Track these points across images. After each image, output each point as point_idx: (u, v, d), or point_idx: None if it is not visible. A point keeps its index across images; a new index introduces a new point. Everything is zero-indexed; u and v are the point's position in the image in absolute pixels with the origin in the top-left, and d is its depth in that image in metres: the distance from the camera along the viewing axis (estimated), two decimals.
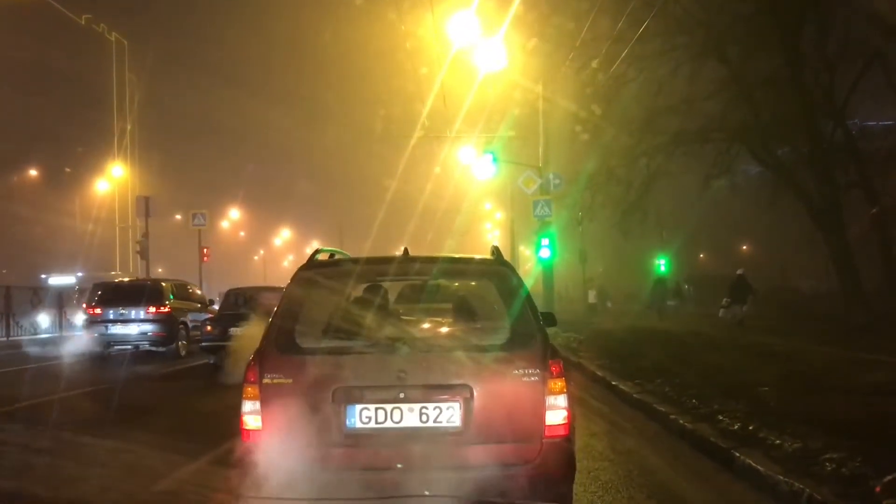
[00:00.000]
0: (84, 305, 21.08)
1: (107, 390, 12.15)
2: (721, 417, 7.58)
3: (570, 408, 4.18)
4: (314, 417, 4.06)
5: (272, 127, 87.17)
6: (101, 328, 17.96)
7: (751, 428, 6.92)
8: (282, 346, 4.33)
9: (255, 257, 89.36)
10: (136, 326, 17.97)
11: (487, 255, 5.12)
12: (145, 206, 29.21)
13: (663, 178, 23.26)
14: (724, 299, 24.09)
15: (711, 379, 10.17)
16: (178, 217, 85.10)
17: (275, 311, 4.52)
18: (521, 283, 4.70)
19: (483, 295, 5.27)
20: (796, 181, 20.08)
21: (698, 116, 21.19)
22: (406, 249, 5.06)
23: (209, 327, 15.85)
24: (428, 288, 6.68)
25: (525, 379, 4.15)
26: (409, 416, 4.09)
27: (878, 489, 4.46)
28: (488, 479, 3.93)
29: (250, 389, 4.19)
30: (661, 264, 40.82)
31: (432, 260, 5.20)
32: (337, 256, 5.35)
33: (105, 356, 17.74)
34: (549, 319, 5.32)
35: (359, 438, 4.09)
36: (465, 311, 5.11)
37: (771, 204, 23.50)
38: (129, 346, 18.16)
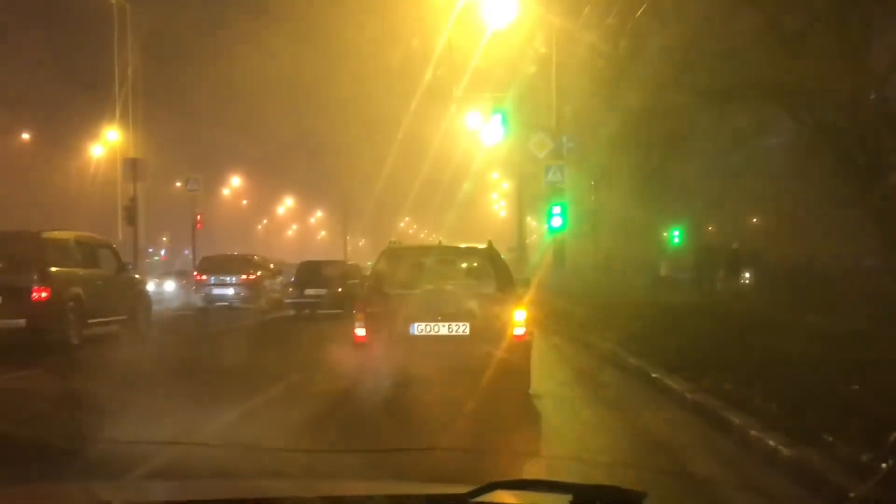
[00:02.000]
0: (194, 273, 26.35)
1: (236, 329, 17.74)
2: None
3: (528, 323, 7.70)
4: (393, 329, 7.61)
5: (275, 92, 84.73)
6: (207, 289, 23.98)
7: None
8: (375, 293, 8.08)
9: (259, 226, 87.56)
10: (231, 289, 23.72)
11: (485, 244, 8.78)
12: (133, 169, 27.34)
13: (686, 142, 21.22)
14: (720, 272, 23.56)
15: None
16: (179, 185, 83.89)
17: (370, 274, 8.86)
18: (501, 259, 8.63)
19: (481, 266, 8.60)
20: (839, 142, 18.02)
21: (728, 73, 19.11)
22: (440, 241, 9.45)
23: (291, 289, 22.07)
24: (453, 263, 9.22)
25: (501, 307, 7.67)
26: (442, 328, 7.57)
27: None
28: (481, 359, 7.30)
29: (360, 315, 7.71)
30: (675, 236, 39.01)
31: (453, 248, 9.04)
32: (397, 244, 9.15)
33: (208, 310, 23.22)
34: (526, 283, 9.88)
35: (416, 339, 7.56)
36: (470, 275, 8.70)
37: (797, 173, 21.61)
38: (226, 303, 23.64)
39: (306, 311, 20.80)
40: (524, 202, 43.95)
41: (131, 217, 26.21)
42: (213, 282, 24.13)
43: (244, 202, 76.28)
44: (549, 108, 23.86)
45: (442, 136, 52.39)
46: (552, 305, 18.89)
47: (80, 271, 13.46)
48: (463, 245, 9.51)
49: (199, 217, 31.61)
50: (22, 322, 11.85)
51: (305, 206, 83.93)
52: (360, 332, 7.73)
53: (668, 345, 10.10)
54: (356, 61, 68.37)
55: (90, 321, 13.33)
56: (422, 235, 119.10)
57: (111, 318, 14.27)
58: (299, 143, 75.97)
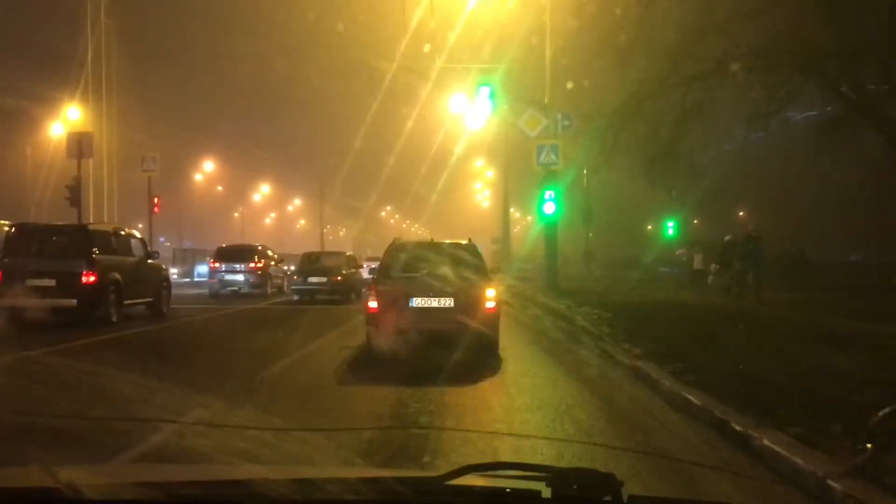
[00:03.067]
0: (209, 260, 28.78)
1: (251, 311, 19.15)
2: None
3: (497, 298, 9.98)
4: (397, 302, 9.67)
5: (251, 72, 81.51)
6: (220, 275, 25.71)
7: None
8: (384, 275, 10.26)
9: (235, 214, 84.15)
10: (241, 276, 25.60)
11: (467, 240, 11.33)
12: (78, 147, 24.21)
13: (701, 118, 18.43)
14: (712, 265, 21.24)
15: None
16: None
17: (381, 261, 11.12)
18: (478, 252, 11.02)
19: (463, 256, 10.51)
20: (883, 114, 15.31)
21: (752, 35, 16.36)
22: (432, 238, 11.94)
23: (296, 276, 24.21)
24: (441, 254, 10.74)
25: (477, 286, 9.86)
26: (433, 301, 9.67)
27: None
28: (462, 325, 9.45)
29: (372, 293, 9.86)
30: (670, 227, 36.35)
31: (442, 243, 11.28)
32: (400, 240, 11.41)
33: (220, 293, 25.24)
34: (495, 271, 13.00)
35: (414, 309, 9.66)
36: (455, 263, 10.19)
37: (820, 154, 18.95)
38: (236, 288, 25.69)
39: (307, 297, 22.39)
40: (508, 192, 41.04)
41: (74, 198, 23.07)
42: (224, 269, 25.91)
43: (219, 188, 72.82)
44: (542, 81, 20.97)
45: (424, 121, 49.71)
46: (552, 306, 16.27)
47: (118, 259, 15.04)
48: (449, 241, 11.41)
49: (156, 200, 28.46)
50: (73, 302, 13.67)
51: (283, 193, 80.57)
52: (373, 304, 9.74)
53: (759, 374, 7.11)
54: (333, 43, 65.15)
55: (126, 302, 15.02)
56: (404, 226, 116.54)
57: (141, 300, 15.98)
58: (276, 128, 72.77)
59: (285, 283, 27.39)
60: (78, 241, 14.49)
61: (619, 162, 19.80)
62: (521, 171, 43.57)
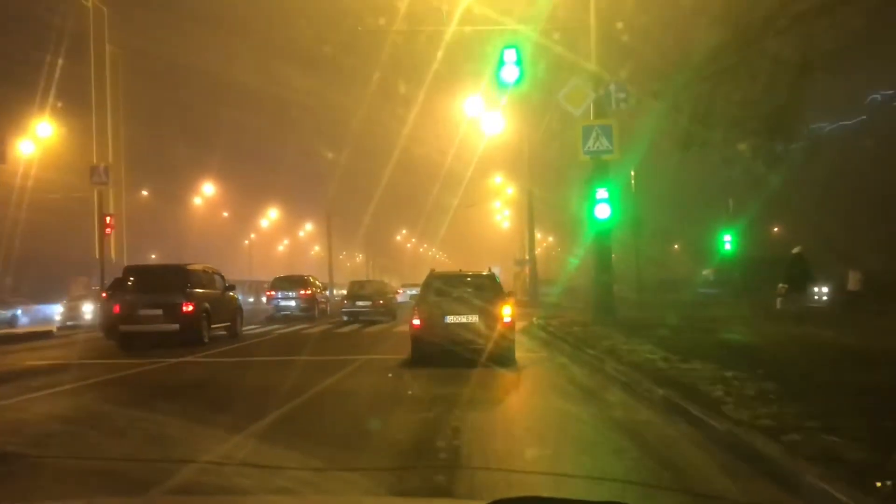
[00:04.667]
0: (267, 290, 31.28)
1: (305, 332, 21.41)
2: None
3: (512, 314, 12.09)
4: (434, 319, 11.90)
5: (256, 92, 76.79)
6: (276, 302, 28.53)
7: None
8: (424, 298, 12.68)
9: (246, 241, 78.79)
10: (293, 301, 28.29)
11: (487, 270, 13.89)
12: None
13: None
14: (780, 285, 16.64)
15: None
16: (145, 193, 75.08)
17: (422, 287, 13.40)
18: (496, 279, 13.45)
19: (484, 283, 12.94)
20: None
21: None
22: (460, 269, 14.96)
23: (345, 301, 27.29)
24: (467, 281, 13.17)
25: (496, 306, 11.85)
26: (462, 318, 11.83)
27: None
28: (486, 334, 11.50)
29: (416, 312, 12.18)
30: (727, 241, 30.25)
31: (467, 273, 13.71)
32: (437, 270, 13.84)
33: (276, 317, 27.69)
34: (511, 294, 13.78)
35: (448, 325, 11.77)
36: (478, 288, 12.64)
37: None
38: (289, 312, 28.02)
39: (354, 318, 25.29)
40: (533, 206, 35.11)
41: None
42: (280, 296, 28.59)
43: (224, 214, 67.49)
44: (587, 41, 15.24)
45: (437, 135, 44.17)
46: (633, 357, 10.26)
47: (207, 292, 17.89)
48: (473, 272, 13.89)
49: (108, 219, 23.16)
50: (176, 326, 16.49)
51: (293, 218, 74.99)
52: (416, 321, 12.01)
53: None
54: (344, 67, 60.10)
55: (213, 326, 17.70)
56: (421, 250, 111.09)
57: (222, 324, 18.49)
58: (282, 151, 67.63)
59: (328, 308, 31.37)
60: (178, 278, 17.22)
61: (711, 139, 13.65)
62: (542, 183, 38.54)
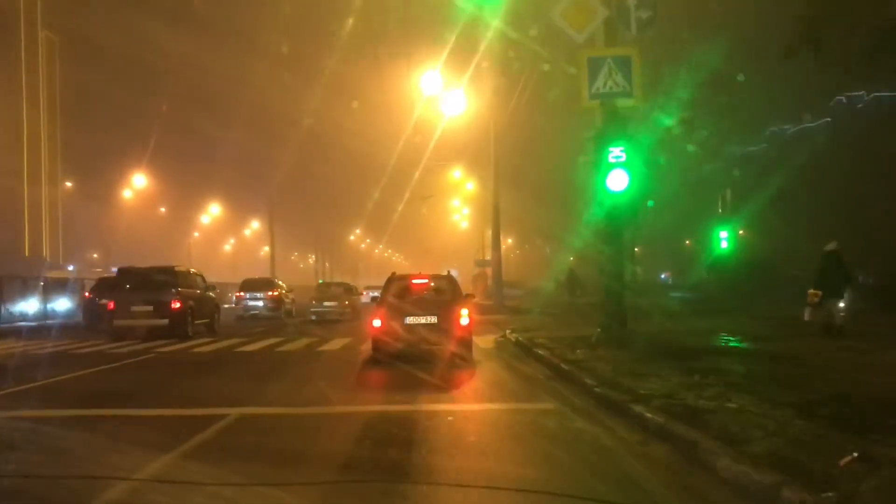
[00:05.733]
0: (236, 292, 32.05)
1: (279, 327, 23.09)
2: None
3: (470, 316, 12.06)
4: (395, 320, 11.79)
5: (186, 77, 71.03)
6: (245, 302, 29.99)
7: None
8: (384, 300, 12.50)
9: (189, 241, 72.66)
10: (261, 302, 29.82)
11: (445, 272, 14.38)
12: None
13: None
14: (810, 291, 12.97)
15: None
16: (69, 184, 68.61)
17: (383, 289, 13.14)
18: (455, 281, 13.64)
19: (443, 285, 13.27)
20: None
21: None
22: (420, 272, 14.72)
23: (314, 301, 27.57)
24: (427, 283, 13.57)
25: (454, 307, 12.00)
26: (421, 319, 11.83)
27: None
28: (443, 335, 11.62)
29: (377, 313, 12.12)
30: (723, 239, 25.91)
31: (427, 275, 13.93)
32: (396, 273, 13.80)
33: (245, 316, 28.98)
34: (470, 296, 13.85)
35: (408, 325, 11.74)
36: (437, 290, 13.12)
37: None
38: (258, 312, 29.52)
39: (322, 317, 26.35)
40: (498, 197, 30.37)
41: None
42: (248, 297, 30.01)
43: (161, 210, 61.46)
44: None
45: (390, 126, 39.40)
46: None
47: (191, 291, 19.60)
48: (432, 274, 14.25)
49: None
50: (165, 321, 18.14)
51: (238, 215, 69.01)
52: (377, 322, 11.93)
53: None
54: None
55: (196, 322, 19.37)
56: (376, 251, 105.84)
57: (202, 320, 20.12)
58: (224, 144, 61.93)
59: (293, 309, 31.62)
60: (168, 278, 19.08)
61: None
62: (506, 179, 34.08)
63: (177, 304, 18.25)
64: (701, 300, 27.58)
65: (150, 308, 18.10)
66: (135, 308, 18.14)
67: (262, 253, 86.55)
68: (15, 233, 66.10)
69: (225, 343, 16.63)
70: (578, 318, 19.40)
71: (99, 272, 43.92)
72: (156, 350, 15.24)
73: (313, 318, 26.14)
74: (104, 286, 22.31)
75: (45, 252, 73.66)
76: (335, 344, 15.64)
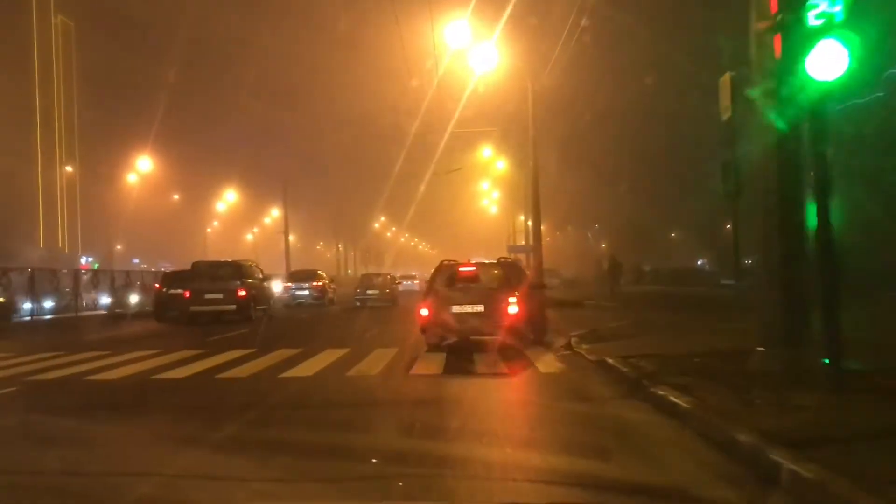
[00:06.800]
0: (285, 283, 34.14)
1: (326, 313, 25.86)
2: None
3: (521, 304, 11.27)
4: (443, 309, 11.38)
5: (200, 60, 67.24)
6: (292, 291, 32.20)
7: None
8: (432, 289, 11.98)
9: (208, 230, 68.41)
10: (306, 291, 31.83)
11: (497, 259, 13.96)
12: None
13: None
14: None
15: None
16: (69, 169, 64.66)
17: (431, 277, 12.66)
18: (512, 267, 13.31)
19: (492, 272, 12.48)
20: None
21: None
22: (468, 259, 14.13)
23: (358, 289, 31.21)
24: (476, 270, 12.76)
25: (501, 295, 11.34)
26: (468, 308, 11.38)
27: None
28: (491, 325, 11.17)
29: (424, 302, 11.64)
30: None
31: (477, 263, 13.56)
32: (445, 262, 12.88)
33: (293, 305, 30.76)
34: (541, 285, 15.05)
35: (454, 314, 11.31)
36: (485, 277, 12.19)
37: None
38: (304, 301, 31.42)
39: (365, 303, 29.16)
40: (537, 173, 25.27)
41: None
42: (295, 287, 32.31)
43: (175, 197, 57.26)
44: None
45: (412, 90, 34.50)
46: None
47: (253, 281, 22.28)
48: (481, 259, 14.74)
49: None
50: (233, 307, 20.81)
51: (258, 203, 64.44)
52: (424, 312, 11.46)
53: None
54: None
55: (257, 307, 21.79)
56: (402, 239, 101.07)
57: (261, 307, 22.38)
58: (241, 129, 57.60)
59: (335, 297, 33.34)
60: (235, 270, 21.94)
61: None
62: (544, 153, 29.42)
63: (242, 293, 21.08)
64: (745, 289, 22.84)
65: (221, 296, 20.76)
66: (208, 296, 20.73)
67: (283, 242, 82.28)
68: (29, 223, 62.48)
69: (151, 363, 10.77)
70: (638, 312, 16.94)
71: (168, 266, 43.09)
72: (40, 375, 9.76)
73: (357, 304, 29.45)
74: (171, 279, 23.98)
75: (64, 244, 70.18)
76: (316, 362, 10.31)
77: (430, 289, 12.15)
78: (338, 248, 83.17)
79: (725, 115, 14.17)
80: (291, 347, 11.92)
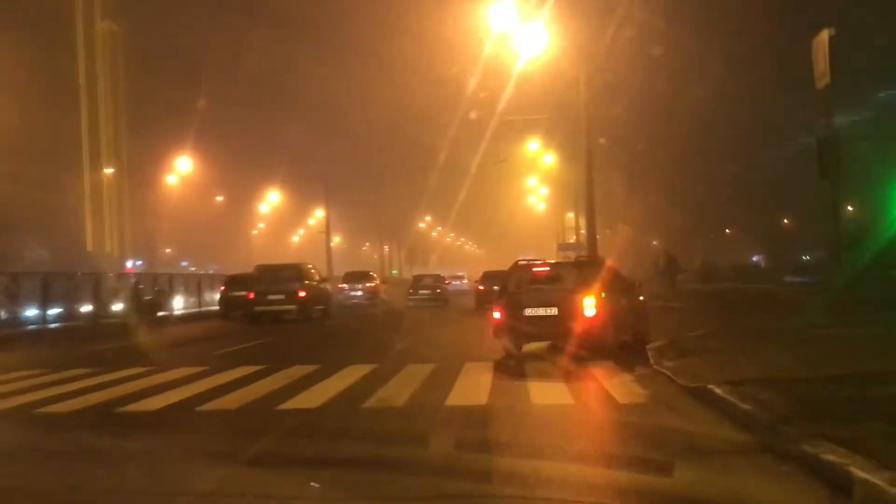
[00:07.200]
0: (339, 284, 33.57)
1: (383, 313, 26.19)
2: None
3: (600, 307, 10.07)
4: (516, 312, 10.53)
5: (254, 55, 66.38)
6: (346, 292, 32.60)
7: None
8: (505, 290, 11.30)
9: (254, 231, 67.45)
10: (360, 292, 32.80)
11: (574, 258, 16.52)
12: None
13: None
14: None
15: None
16: (111, 171, 64.09)
17: (505, 277, 12.03)
18: (596, 265, 11.95)
19: (566, 272, 11.49)
20: None
21: None
22: (543, 259, 13.39)
23: (411, 290, 32.96)
24: (550, 271, 11.65)
25: (576, 297, 10.15)
26: (541, 311, 10.41)
27: None
28: (564, 329, 9.88)
29: (496, 305, 10.96)
30: None
31: (550, 262, 12.77)
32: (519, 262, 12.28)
33: (347, 305, 30.76)
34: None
35: (527, 317, 10.45)
36: (559, 278, 11.08)
37: None
38: (357, 301, 32.20)
39: (420, 303, 30.47)
40: (591, 162, 22.90)
41: None
42: (349, 288, 32.91)
43: (218, 198, 56.24)
44: None
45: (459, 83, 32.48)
46: None
47: (311, 283, 23.28)
48: (555, 261, 14.28)
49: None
50: (293, 307, 21.96)
51: (302, 203, 62.89)
52: (497, 315, 10.79)
53: None
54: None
55: (315, 307, 23.13)
56: (448, 239, 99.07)
57: (319, 307, 23.54)
58: (283, 131, 56.42)
59: (386, 297, 34.06)
60: (295, 272, 23.08)
61: None
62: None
63: (303, 293, 22.12)
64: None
65: (283, 296, 21.82)
66: (271, 297, 21.78)
67: (332, 244, 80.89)
68: (74, 226, 62.17)
69: (135, 385, 8.91)
70: (716, 314, 15.23)
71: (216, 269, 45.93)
72: None
73: (411, 304, 30.39)
74: (235, 282, 26.05)
75: (114, 247, 70.00)
76: (331, 386, 8.24)
77: (503, 290, 11.57)
78: (383, 249, 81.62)
79: (822, 82, 11.46)
80: (308, 363, 9.99)
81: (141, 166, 62.17)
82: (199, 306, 30.51)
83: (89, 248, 63.95)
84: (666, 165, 49.91)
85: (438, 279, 35.00)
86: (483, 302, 24.79)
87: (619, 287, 11.36)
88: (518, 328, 10.54)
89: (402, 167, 60.33)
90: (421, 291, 32.22)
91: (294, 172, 55.58)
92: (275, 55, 63.59)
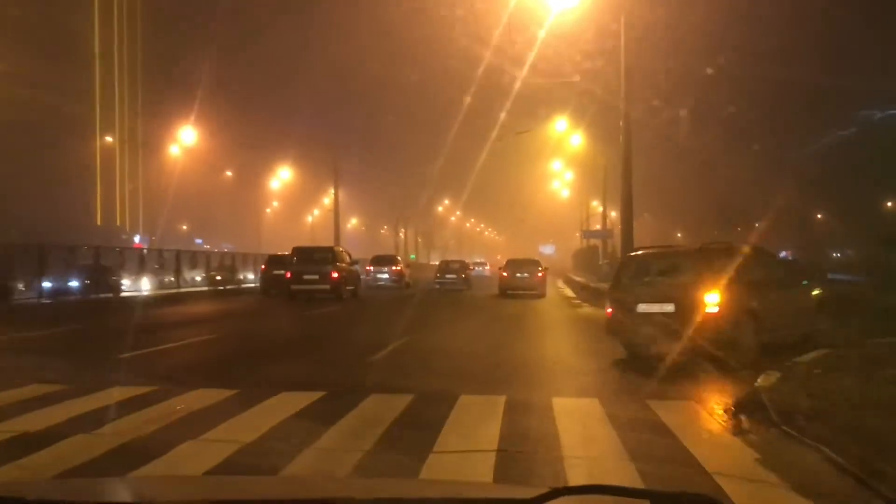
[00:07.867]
0: (366, 266, 34.20)
1: (407, 295, 27.01)
2: None
3: (724, 305, 8.41)
4: (625, 309, 9.31)
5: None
6: (373, 275, 32.99)
7: None
8: (617, 283, 10.16)
9: (268, 210, 64.64)
10: (386, 275, 33.35)
11: (695, 248, 10.52)
12: None
13: None
14: None
15: None
16: (109, 139, 61.46)
17: (617, 269, 10.98)
18: (726, 250, 9.72)
19: (685, 263, 9.85)
20: None
21: None
22: (659, 248, 11.33)
23: (438, 274, 33.59)
24: (667, 263, 10.26)
25: (696, 292, 8.70)
26: (655, 307, 8.97)
27: None
28: (683, 327, 8.37)
29: (608, 299, 9.93)
30: None
31: (666, 252, 10.84)
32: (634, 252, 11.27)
33: (374, 286, 31.60)
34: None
35: (640, 314, 9.10)
36: (677, 270, 9.77)
37: None
38: (384, 283, 32.69)
39: (443, 287, 31.48)
40: (629, 139, 19.49)
41: None
42: (375, 271, 33.45)
43: (228, 173, 53.45)
44: None
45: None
46: None
47: (343, 265, 24.41)
48: (671, 251, 11.25)
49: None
50: (328, 287, 22.81)
51: (317, 184, 59.95)
52: (609, 309, 9.75)
53: None
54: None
55: (346, 288, 23.96)
56: (468, 225, 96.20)
57: (350, 287, 24.44)
58: (298, 105, 53.37)
59: (410, 281, 34.90)
60: (328, 255, 24.10)
61: None
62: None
63: (335, 275, 22.98)
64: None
65: (317, 277, 22.83)
66: (306, 276, 22.85)
67: (349, 226, 78.25)
68: (84, 199, 59.82)
69: None
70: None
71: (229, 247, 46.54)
72: None
73: (437, 286, 31.74)
74: (274, 261, 28.00)
75: (125, 220, 67.78)
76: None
77: (615, 283, 10.44)
78: (399, 233, 78.89)
79: None
80: (297, 391, 6.85)
81: (159, 140, 59.76)
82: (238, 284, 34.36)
83: (99, 221, 61.68)
84: (699, 151, 46.61)
85: (464, 265, 35.87)
86: (505, 288, 26.33)
87: (765, 278, 9.66)
88: (630, 326, 9.39)
89: (421, 147, 57.40)
90: (448, 276, 33.14)
91: (309, 153, 52.81)
92: (294, 35, 60.70)
